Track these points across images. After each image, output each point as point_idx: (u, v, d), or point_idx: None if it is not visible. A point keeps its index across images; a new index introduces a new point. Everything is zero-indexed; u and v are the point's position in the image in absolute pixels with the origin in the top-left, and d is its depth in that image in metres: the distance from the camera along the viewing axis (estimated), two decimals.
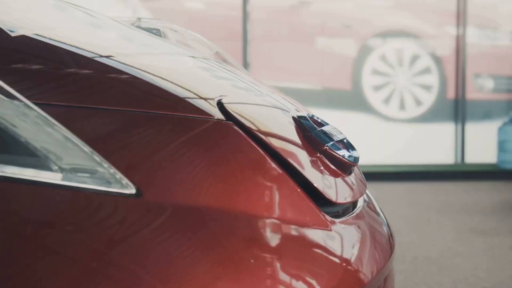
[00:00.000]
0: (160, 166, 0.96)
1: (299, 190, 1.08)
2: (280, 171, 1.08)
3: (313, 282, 0.99)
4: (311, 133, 1.23)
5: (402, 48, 7.49)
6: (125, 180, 0.90)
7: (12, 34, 1.09)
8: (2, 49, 1.04)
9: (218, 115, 1.07)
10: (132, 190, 0.90)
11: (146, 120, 0.99)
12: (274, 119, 1.26)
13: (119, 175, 0.90)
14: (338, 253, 1.08)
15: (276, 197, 1.05)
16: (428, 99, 7.53)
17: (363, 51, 7.33)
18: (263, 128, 1.14)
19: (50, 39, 1.15)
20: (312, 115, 1.33)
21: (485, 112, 7.65)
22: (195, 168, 0.99)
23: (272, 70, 7.24)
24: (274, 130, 1.18)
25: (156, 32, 1.89)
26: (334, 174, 1.22)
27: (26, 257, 0.83)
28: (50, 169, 0.87)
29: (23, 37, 1.10)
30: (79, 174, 0.89)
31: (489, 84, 7.71)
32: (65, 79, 1.03)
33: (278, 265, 0.96)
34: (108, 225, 0.88)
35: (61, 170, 0.88)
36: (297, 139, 1.21)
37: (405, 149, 7.49)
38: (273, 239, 0.99)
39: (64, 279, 0.84)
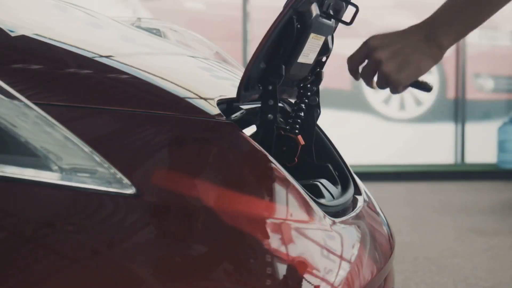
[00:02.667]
0: (160, 166, 0.96)
1: (299, 189, 1.08)
2: (280, 170, 1.07)
3: (313, 281, 0.99)
4: None
5: None
6: (125, 180, 0.90)
7: (12, 34, 1.09)
8: (2, 49, 1.04)
9: (218, 115, 1.07)
10: (132, 190, 0.90)
11: (146, 120, 0.99)
12: None
13: (119, 175, 0.90)
14: (338, 253, 1.08)
15: (277, 196, 1.05)
16: (428, 99, 7.52)
17: None
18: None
19: (50, 39, 1.15)
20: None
21: (485, 112, 7.64)
22: (195, 168, 0.99)
23: None
24: None
25: (156, 32, 1.89)
26: None
27: (26, 257, 0.83)
28: (50, 169, 0.87)
29: (23, 37, 1.10)
30: (79, 174, 0.89)
31: (489, 84, 7.70)
32: (65, 79, 1.03)
33: (278, 264, 0.96)
34: (108, 225, 0.88)
35: (61, 170, 0.88)
36: None
37: (405, 149, 7.49)
38: (273, 239, 0.99)
39: (64, 279, 0.84)
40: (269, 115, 1.15)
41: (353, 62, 1.18)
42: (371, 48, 1.13)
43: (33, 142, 0.88)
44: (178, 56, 1.57)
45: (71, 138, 0.90)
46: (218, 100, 1.12)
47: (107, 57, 1.16)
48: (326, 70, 1.38)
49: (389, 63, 1.11)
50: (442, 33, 1.09)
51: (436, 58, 1.11)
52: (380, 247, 1.26)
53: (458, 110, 7.56)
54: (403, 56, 1.10)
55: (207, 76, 1.45)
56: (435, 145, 7.56)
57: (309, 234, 1.04)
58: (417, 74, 1.12)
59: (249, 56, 7.12)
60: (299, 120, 1.30)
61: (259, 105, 1.17)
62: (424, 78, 1.18)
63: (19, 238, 0.85)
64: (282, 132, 1.21)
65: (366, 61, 1.15)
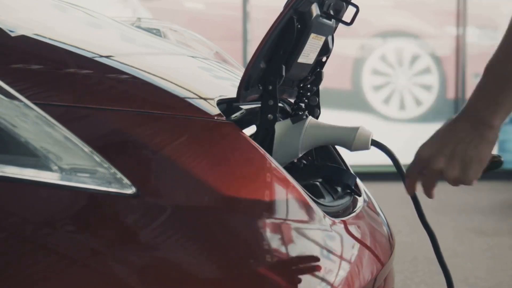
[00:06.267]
0: (160, 166, 0.96)
1: (299, 189, 1.08)
2: (280, 170, 1.07)
3: (313, 281, 0.99)
4: None
5: (402, 48, 7.48)
6: (125, 180, 0.90)
7: (12, 34, 1.09)
8: (2, 49, 1.04)
9: (218, 115, 1.07)
10: (132, 190, 0.90)
11: (146, 120, 0.99)
12: None
13: (119, 175, 0.90)
14: (338, 253, 1.08)
15: (276, 196, 1.05)
16: (428, 99, 7.52)
17: (363, 51, 7.33)
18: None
19: (50, 39, 1.15)
20: None
21: None
22: (195, 168, 0.99)
23: None
24: None
25: (156, 32, 1.89)
26: None
27: (26, 257, 0.83)
28: (50, 169, 0.87)
29: (23, 37, 1.10)
30: (79, 174, 0.89)
31: None
32: (65, 79, 1.03)
33: (277, 264, 0.96)
34: (108, 225, 0.88)
35: (61, 170, 0.88)
36: None
37: (405, 149, 7.48)
38: (273, 239, 0.99)
39: (64, 279, 0.84)
40: (269, 115, 1.15)
41: (411, 179, 1.13)
42: (425, 160, 1.08)
43: (33, 142, 0.88)
44: (178, 56, 1.57)
45: (71, 138, 0.90)
46: (218, 100, 1.12)
47: (107, 57, 1.16)
48: (326, 70, 1.38)
49: (450, 169, 1.06)
50: (490, 113, 1.04)
51: (491, 140, 1.06)
52: (380, 247, 1.26)
53: (458, 110, 7.55)
54: (461, 156, 1.05)
55: (207, 76, 1.45)
56: None
57: (309, 234, 1.04)
58: (482, 165, 1.07)
59: (249, 56, 7.11)
60: None
61: (259, 105, 1.17)
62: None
63: (19, 238, 0.85)
64: None
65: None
